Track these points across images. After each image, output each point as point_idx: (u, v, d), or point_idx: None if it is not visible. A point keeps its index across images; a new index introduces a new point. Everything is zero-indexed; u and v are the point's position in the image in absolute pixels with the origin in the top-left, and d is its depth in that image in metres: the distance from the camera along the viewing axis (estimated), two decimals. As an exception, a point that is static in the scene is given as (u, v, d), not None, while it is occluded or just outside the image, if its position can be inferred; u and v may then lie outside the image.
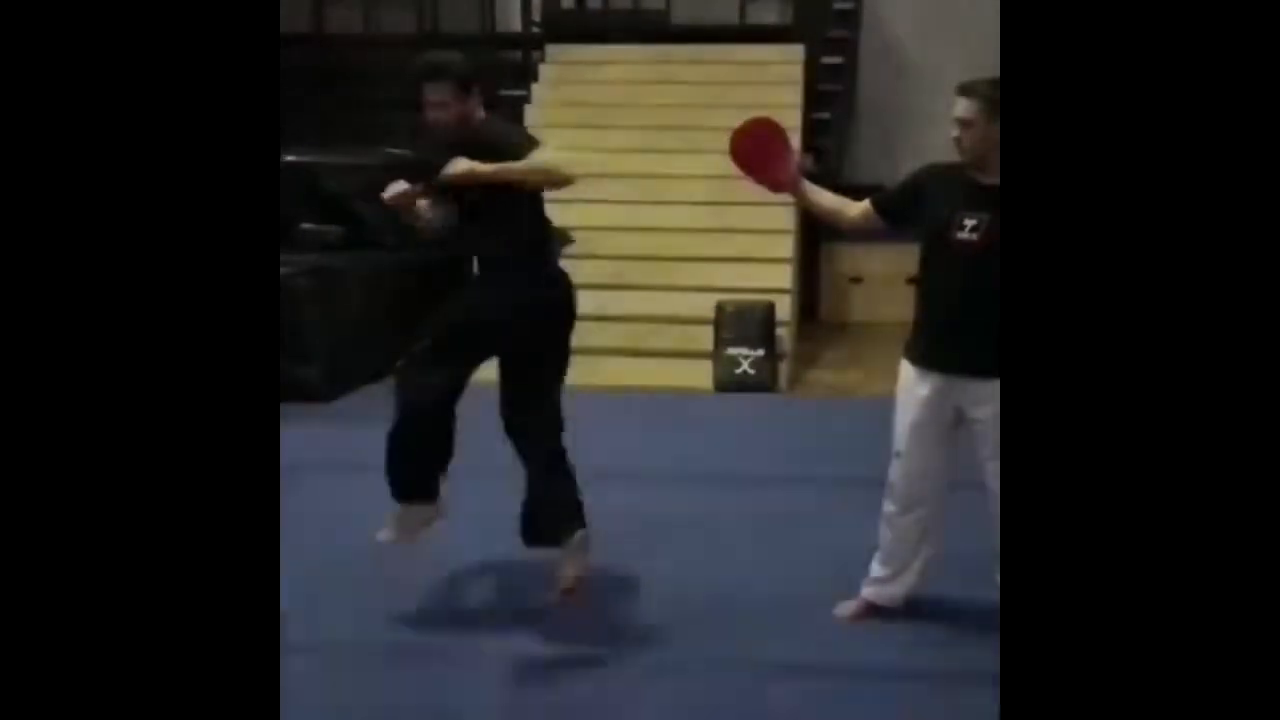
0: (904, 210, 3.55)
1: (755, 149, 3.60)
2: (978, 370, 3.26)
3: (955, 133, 3.31)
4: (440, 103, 3.43)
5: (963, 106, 3.28)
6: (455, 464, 3.72)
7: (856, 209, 3.65)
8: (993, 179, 3.27)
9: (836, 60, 10.33)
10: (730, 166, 3.71)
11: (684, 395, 7.06)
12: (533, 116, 9.23)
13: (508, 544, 3.80)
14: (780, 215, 8.22)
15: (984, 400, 3.27)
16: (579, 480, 3.63)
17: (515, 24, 10.85)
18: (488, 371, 3.63)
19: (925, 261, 3.45)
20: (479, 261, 3.69)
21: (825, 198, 3.71)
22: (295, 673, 2.31)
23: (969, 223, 3.28)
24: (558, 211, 3.71)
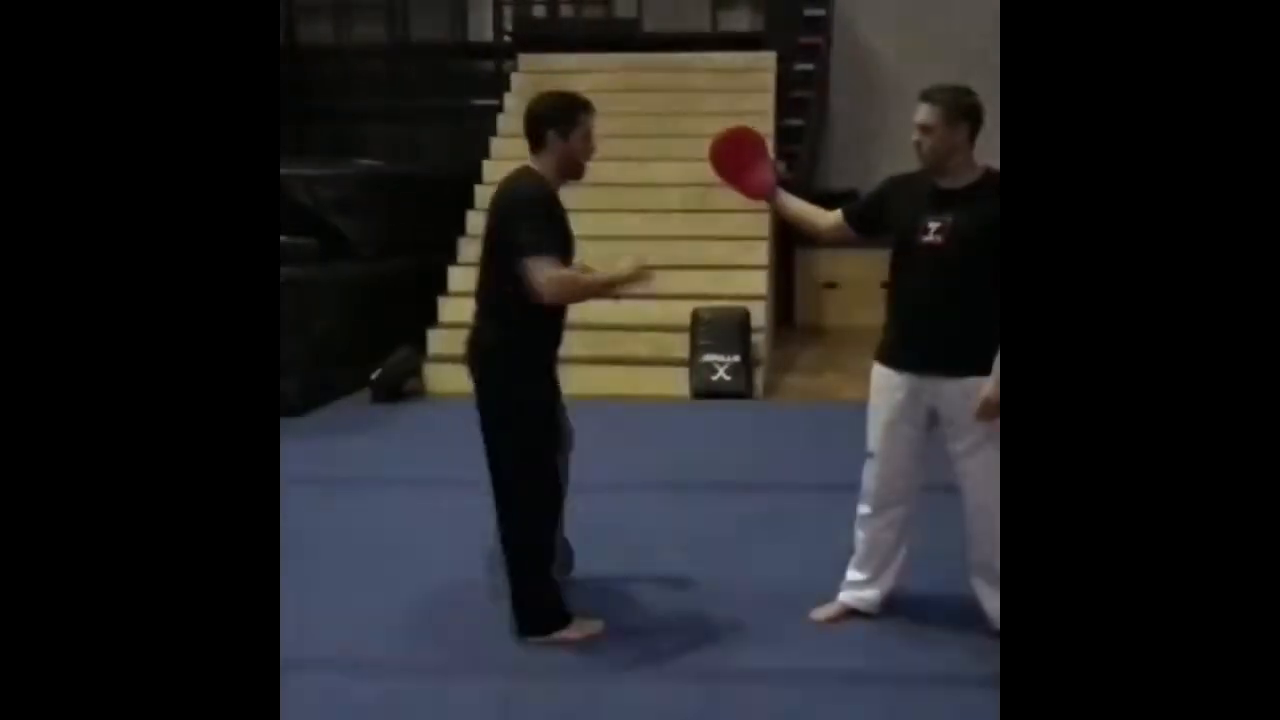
0: (872, 220, 3.60)
1: (734, 156, 3.71)
2: (945, 368, 3.30)
3: (916, 137, 3.34)
4: None
5: (923, 112, 3.31)
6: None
7: (829, 219, 3.69)
8: (953, 183, 3.32)
9: (808, 67, 10.38)
10: (706, 173, 3.79)
11: (660, 403, 7.07)
12: (506, 126, 9.23)
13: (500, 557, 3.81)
14: (755, 223, 8.24)
15: (954, 399, 3.30)
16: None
17: (487, 33, 10.84)
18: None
19: (894, 266, 3.49)
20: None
21: (800, 207, 3.75)
22: (289, 687, 2.29)
23: (933, 225, 3.32)
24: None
